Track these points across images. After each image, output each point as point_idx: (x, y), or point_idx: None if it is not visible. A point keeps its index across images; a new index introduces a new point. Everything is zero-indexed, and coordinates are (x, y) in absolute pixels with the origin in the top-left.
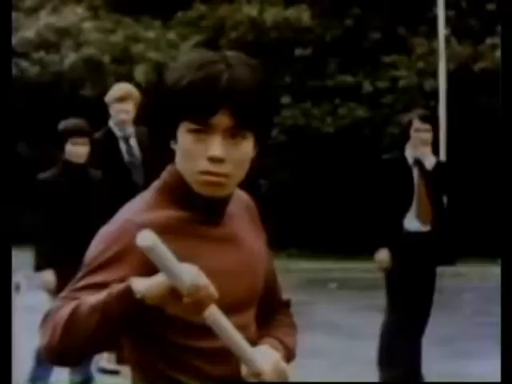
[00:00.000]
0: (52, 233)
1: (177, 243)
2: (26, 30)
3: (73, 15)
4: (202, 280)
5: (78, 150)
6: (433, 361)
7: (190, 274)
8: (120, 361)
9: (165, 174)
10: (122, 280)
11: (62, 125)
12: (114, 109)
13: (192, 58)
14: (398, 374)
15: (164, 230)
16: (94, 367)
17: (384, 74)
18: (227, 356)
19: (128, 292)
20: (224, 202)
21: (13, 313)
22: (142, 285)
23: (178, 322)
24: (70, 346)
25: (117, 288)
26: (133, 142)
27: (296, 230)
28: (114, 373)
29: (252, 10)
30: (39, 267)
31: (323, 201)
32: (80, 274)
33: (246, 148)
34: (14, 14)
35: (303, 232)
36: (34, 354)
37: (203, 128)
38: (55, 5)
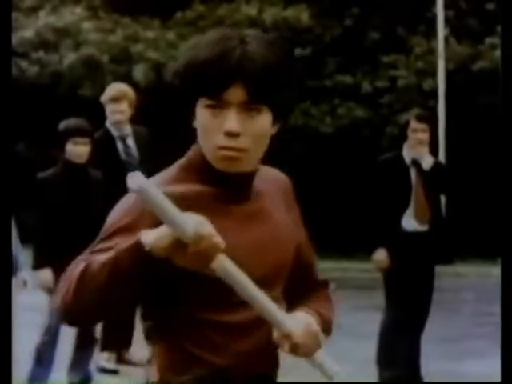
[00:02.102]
0: (51, 232)
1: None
2: (26, 30)
3: (72, 15)
4: (207, 229)
5: (78, 150)
6: (431, 360)
7: (193, 223)
8: (119, 360)
9: (189, 152)
10: None
11: (63, 125)
12: (109, 109)
13: (209, 36)
14: (396, 374)
15: (185, 203)
16: (93, 367)
17: (383, 74)
18: (251, 330)
19: (137, 245)
20: (247, 178)
21: (13, 312)
22: (149, 237)
23: (202, 296)
24: (82, 302)
25: (127, 242)
26: (130, 141)
27: None
28: (114, 372)
29: (251, 10)
30: (38, 266)
31: (321, 200)
32: (97, 240)
33: (263, 122)
34: (13, 14)
35: None
36: (33, 354)
37: (218, 103)
38: (54, 5)
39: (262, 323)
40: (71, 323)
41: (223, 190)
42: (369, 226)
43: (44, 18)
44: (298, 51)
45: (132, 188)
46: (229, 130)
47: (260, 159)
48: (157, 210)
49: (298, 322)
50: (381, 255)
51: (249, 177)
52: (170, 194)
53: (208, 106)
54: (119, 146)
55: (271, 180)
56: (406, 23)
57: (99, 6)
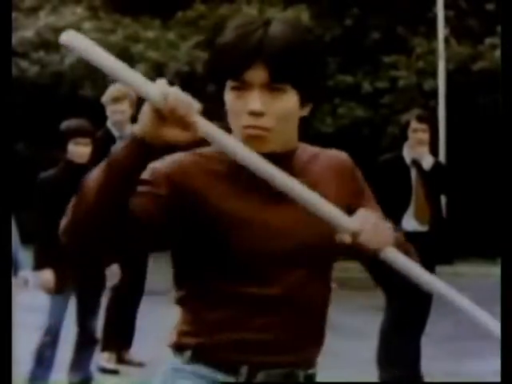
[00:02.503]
0: (52, 232)
1: (226, 191)
2: (26, 30)
3: (72, 15)
4: (171, 89)
5: (80, 150)
6: (432, 360)
7: (157, 86)
8: (120, 361)
9: None
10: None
11: (65, 125)
12: (109, 109)
13: (236, 20)
14: (397, 374)
15: (215, 174)
16: (93, 367)
17: (383, 74)
18: (277, 305)
19: (132, 137)
20: (278, 159)
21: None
22: (136, 125)
23: (225, 269)
24: (82, 213)
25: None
26: None
27: None
28: (114, 372)
29: (252, 10)
30: (38, 266)
31: None
32: None
33: (288, 102)
34: (13, 14)
35: None
36: (33, 354)
37: (242, 84)
38: (55, 5)
39: (290, 299)
40: (73, 240)
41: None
42: None
43: (44, 18)
44: None
45: (64, 41)
46: (252, 109)
47: (291, 140)
48: (102, 65)
49: (360, 216)
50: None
51: (280, 158)
52: (193, 159)
53: (233, 88)
54: None
55: (325, 162)
56: (407, 23)
57: (99, 6)
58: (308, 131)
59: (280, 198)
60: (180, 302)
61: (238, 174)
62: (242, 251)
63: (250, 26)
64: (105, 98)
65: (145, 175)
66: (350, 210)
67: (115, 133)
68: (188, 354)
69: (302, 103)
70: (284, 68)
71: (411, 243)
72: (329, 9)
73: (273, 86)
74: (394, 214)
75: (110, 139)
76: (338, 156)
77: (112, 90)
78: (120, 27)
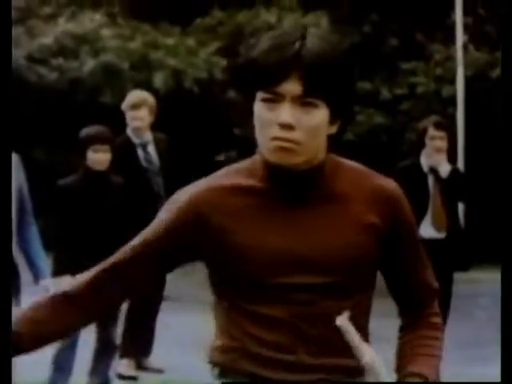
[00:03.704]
0: (71, 239)
1: (247, 210)
2: (45, 37)
3: (91, 22)
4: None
5: (99, 157)
6: (448, 365)
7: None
8: (139, 367)
9: (247, 159)
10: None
11: (84, 132)
12: (129, 116)
13: (271, 32)
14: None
15: (232, 197)
16: (112, 373)
17: (402, 81)
18: (288, 325)
19: None
20: (304, 176)
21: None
22: None
23: (237, 288)
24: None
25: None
26: (151, 148)
27: None
28: (133, 379)
29: (270, 17)
30: (57, 273)
31: None
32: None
33: (319, 117)
34: (32, 21)
35: None
36: (52, 359)
37: (274, 97)
38: (73, 11)
39: (301, 320)
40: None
41: (277, 188)
42: None
43: (63, 25)
44: None
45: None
46: (283, 121)
47: (318, 155)
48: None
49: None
50: None
51: (306, 176)
52: (215, 187)
53: (264, 100)
54: (140, 153)
55: (360, 182)
56: (425, 30)
57: (118, 13)
58: (327, 138)
59: (298, 225)
60: (214, 316)
61: (254, 198)
62: (249, 270)
63: (286, 37)
64: (124, 105)
65: (168, 207)
66: (382, 238)
67: (134, 140)
68: (217, 370)
69: (332, 120)
70: (319, 82)
71: (428, 250)
72: (347, 15)
73: (305, 100)
74: None
75: (130, 146)
76: (381, 182)
77: (131, 97)
78: (139, 34)
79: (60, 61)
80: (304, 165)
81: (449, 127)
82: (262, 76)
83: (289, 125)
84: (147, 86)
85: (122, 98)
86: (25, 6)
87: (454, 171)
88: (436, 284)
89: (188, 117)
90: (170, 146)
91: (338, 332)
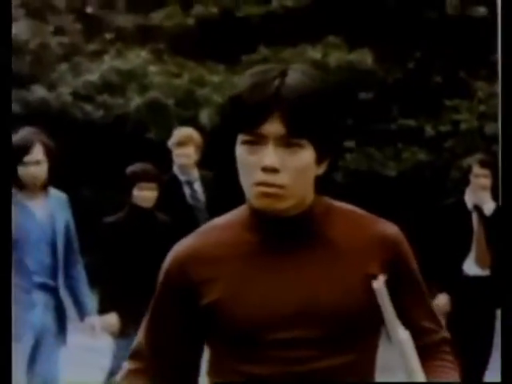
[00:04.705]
0: (117, 276)
1: (234, 263)
2: (90, 74)
3: (137, 58)
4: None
5: (145, 195)
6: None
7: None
8: None
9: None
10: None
11: (130, 169)
12: (175, 153)
13: (252, 70)
14: None
15: (219, 250)
16: None
17: (446, 118)
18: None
19: None
20: (291, 222)
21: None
22: None
23: (229, 348)
24: None
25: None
26: (197, 186)
27: None
28: None
29: (316, 54)
30: (103, 310)
31: None
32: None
33: (304, 158)
34: (77, 58)
35: None
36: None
37: (256, 138)
38: (119, 48)
39: (300, 381)
40: None
41: (265, 236)
42: (430, 271)
43: (109, 62)
44: (361, 95)
45: (375, 287)
46: (266, 165)
47: (306, 198)
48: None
49: None
50: (442, 300)
51: (295, 221)
52: (200, 243)
53: (245, 142)
54: (186, 190)
55: (363, 234)
56: (468, 67)
57: (164, 50)
58: (370, 175)
59: (289, 272)
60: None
61: (243, 249)
62: (242, 333)
63: (266, 74)
64: (170, 142)
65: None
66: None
67: (181, 177)
68: None
69: (319, 160)
70: (302, 121)
71: (472, 288)
72: (392, 52)
73: (289, 140)
74: (455, 258)
75: (176, 183)
76: (381, 228)
77: (178, 134)
78: (185, 70)
79: (106, 97)
80: (292, 210)
81: (493, 165)
82: (241, 117)
83: (273, 168)
84: (193, 122)
85: (168, 134)
86: (70, 42)
87: (499, 209)
88: (439, 328)
89: (234, 154)
90: (216, 183)
91: None
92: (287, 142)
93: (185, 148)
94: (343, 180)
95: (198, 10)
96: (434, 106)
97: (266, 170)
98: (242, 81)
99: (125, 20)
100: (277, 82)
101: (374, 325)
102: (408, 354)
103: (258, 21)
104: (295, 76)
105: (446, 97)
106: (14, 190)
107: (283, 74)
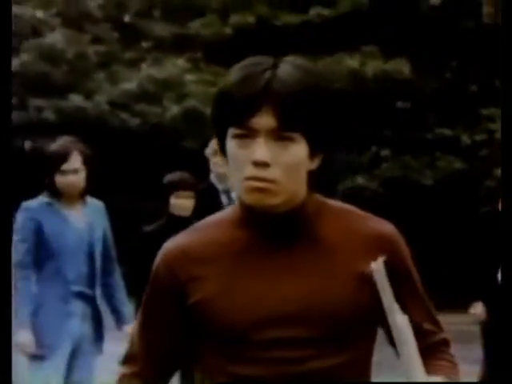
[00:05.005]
0: None
1: (224, 261)
2: (127, 82)
3: (174, 67)
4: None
5: (182, 204)
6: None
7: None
8: None
9: None
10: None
11: (167, 178)
12: (212, 162)
13: (242, 62)
14: None
15: (211, 249)
16: None
17: (482, 127)
18: None
19: None
20: (284, 218)
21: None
22: None
23: (216, 349)
24: None
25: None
26: (234, 195)
27: None
28: None
29: (353, 63)
30: None
31: (421, 253)
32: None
33: (296, 152)
34: (114, 67)
35: None
36: None
37: (246, 132)
38: (156, 57)
39: (290, 382)
40: None
41: (256, 233)
42: (466, 280)
43: (146, 70)
44: (398, 104)
45: (373, 268)
46: (257, 159)
47: (298, 194)
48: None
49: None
50: (478, 308)
51: (286, 218)
52: (190, 240)
53: (236, 136)
54: (223, 199)
55: (357, 232)
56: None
57: (200, 58)
58: (407, 184)
59: (283, 269)
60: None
61: (236, 247)
62: (229, 333)
63: (257, 66)
64: (208, 151)
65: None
66: (375, 288)
67: (218, 186)
68: None
69: (312, 154)
70: (294, 114)
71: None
72: (428, 62)
73: (280, 134)
74: (490, 266)
75: (213, 192)
76: (376, 226)
77: (214, 143)
78: (221, 79)
79: (143, 106)
80: (283, 206)
81: None
82: (231, 110)
83: (264, 162)
84: None
85: (205, 143)
86: (107, 51)
87: None
88: (438, 329)
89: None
90: None
91: None
92: (279, 135)
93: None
94: (379, 188)
95: (234, 19)
96: (470, 115)
97: (256, 164)
98: (232, 73)
99: (162, 29)
100: (268, 75)
101: (368, 325)
102: (405, 340)
103: (295, 30)
104: (287, 68)
105: (482, 106)
106: (51, 199)
107: (275, 66)
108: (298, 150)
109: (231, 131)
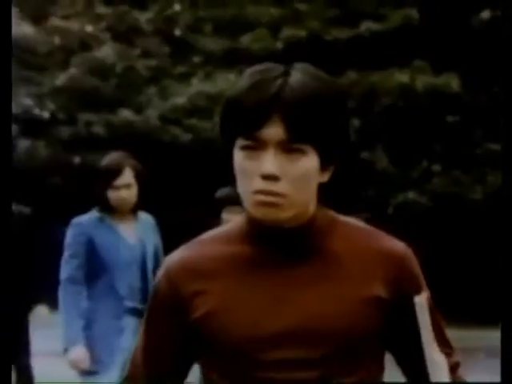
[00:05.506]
0: None
1: (229, 277)
2: (178, 97)
3: (225, 81)
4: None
5: (233, 219)
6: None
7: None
8: None
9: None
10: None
11: (219, 193)
12: None
13: (252, 68)
14: None
15: (216, 264)
16: None
17: None
18: None
19: None
20: (293, 233)
21: None
22: None
23: (221, 366)
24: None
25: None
26: None
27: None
28: None
29: (403, 77)
30: None
31: (465, 267)
32: None
33: (307, 165)
34: (165, 81)
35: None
36: None
37: (255, 143)
38: (207, 71)
39: None
40: None
41: (264, 249)
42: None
43: (197, 85)
44: (448, 118)
45: (416, 302)
46: (265, 172)
47: (308, 208)
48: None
49: None
50: None
51: (295, 233)
52: (193, 254)
53: (244, 148)
54: None
55: (368, 250)
56: None
57: None
58: (457, 199)
59: (290, 287)
60: None
61: (241, 263)
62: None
63: (267, 74)
64: None
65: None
66: (386, 310)
67: None
68: None
69: (323, 167)
70: (304, 125)
71: None
72: (478, 76)
73: (290, 145)
74: None
75: None
76: (388, 245)
77: None
78: None
79: (194, 121)
80: (293, 220)
81: None
82: (239, 119)
83: (273, 176)
84: None
85: None
86: (157, 65)
87: None
88: (452, 352)
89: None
90: None
91: None
92: (288, 147)
93: None
94: (429, 203)
95: (285, 33)
96: None
97: (265, 177)
98: (241, 80)
99: (213, 43)
100: (278, 83)
101: (378, 345)
102: (442, 379)
103: (346, 44)
104: (299, 76)
105: None
106: (103, 214)
107: (286, 73)
108: (309, 163)
109: (239, 142)
